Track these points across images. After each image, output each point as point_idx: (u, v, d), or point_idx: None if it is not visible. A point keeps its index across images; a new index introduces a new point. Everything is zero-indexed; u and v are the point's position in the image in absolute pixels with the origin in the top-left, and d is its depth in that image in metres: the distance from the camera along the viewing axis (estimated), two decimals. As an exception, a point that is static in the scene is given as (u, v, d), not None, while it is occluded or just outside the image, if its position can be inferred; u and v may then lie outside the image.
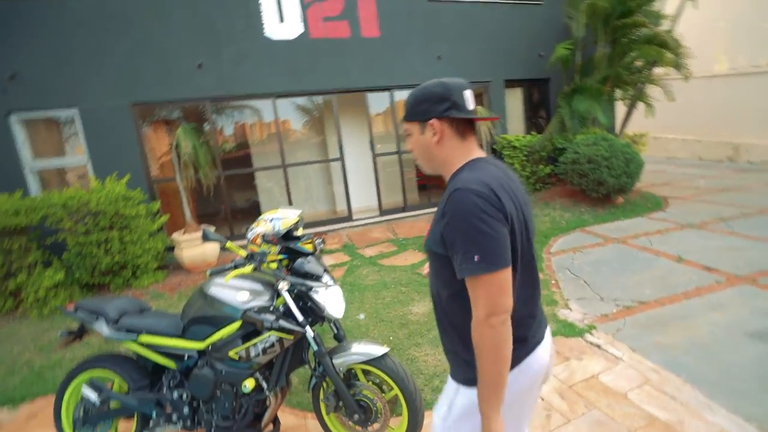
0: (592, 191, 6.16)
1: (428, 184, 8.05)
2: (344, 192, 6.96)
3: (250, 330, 1.87)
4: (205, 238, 1.99)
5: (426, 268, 1.31)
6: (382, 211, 7.12)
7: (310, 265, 1.99)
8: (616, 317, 3.25)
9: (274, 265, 2.01)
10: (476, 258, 0.94)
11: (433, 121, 1.07)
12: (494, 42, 7.43)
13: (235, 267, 1.87)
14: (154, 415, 2.02)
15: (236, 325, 1.88)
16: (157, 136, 6.61)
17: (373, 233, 6.33)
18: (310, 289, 1.92)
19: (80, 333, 2.22)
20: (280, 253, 2.05)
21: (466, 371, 1.09)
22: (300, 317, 1.87)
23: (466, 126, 1.10)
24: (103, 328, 2.08)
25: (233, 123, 7.40)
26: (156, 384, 2.12)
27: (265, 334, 1.85)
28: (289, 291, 1.91)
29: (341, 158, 6.80)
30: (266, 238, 2.03)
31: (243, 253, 1.92)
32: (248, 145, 7.62)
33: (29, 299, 4.25)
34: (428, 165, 1.17)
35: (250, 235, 2.06)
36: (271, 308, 1.90)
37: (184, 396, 2.00)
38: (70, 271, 4.56)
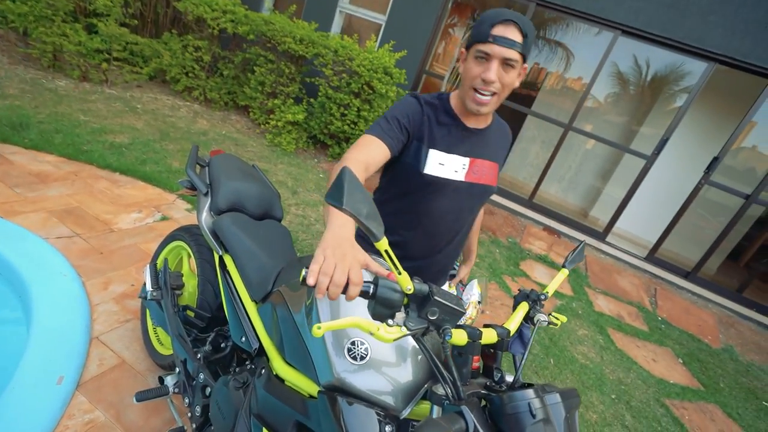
0: None
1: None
2: (618, 201, 4.77)
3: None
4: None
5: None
6: (652, 257, 4.68)
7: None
8: None
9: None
10: None
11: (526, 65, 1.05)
12: None
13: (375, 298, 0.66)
14: (176, 370, 1.28)
15: (308, 387, 0.80)
16: (450, 23, 5.71)
17: (622, 279, 4.19)
18: None
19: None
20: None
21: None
22: None
23: None
24: (202, 209, 1.36)
25: (536, 54, 5.77)
26: (210, 329, 1.35)
27: None
28: None
29: (650, 158, 4.48)
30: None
31: (407, 283, 0.67)
32: (537, 86, 6.00)
33: (272, 123, 4.42)
34: (499, 102, 1.06)
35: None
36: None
37: (207, 391, 1.15)
38: (309, 117, 4.50)
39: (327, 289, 0.63)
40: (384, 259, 0.66)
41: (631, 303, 3.69)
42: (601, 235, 4.86)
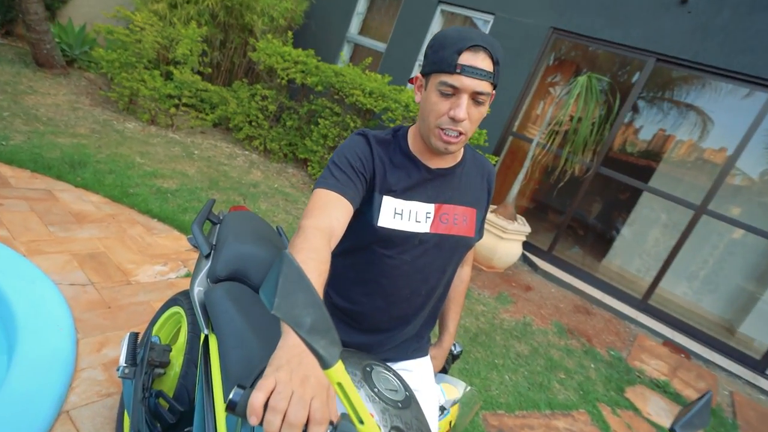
0: None
1: None
2: (782, 318, 3.96)
3: None
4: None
5: None
6: None
7: None
8: None
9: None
10: None
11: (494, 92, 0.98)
12: None
13: None
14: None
15: None
16: (550, 82, 5.68)
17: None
18: None
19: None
20: None
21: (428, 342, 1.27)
22: None
23: None
24: (197, 274, 1.32)
25: (660, 119, 5.44)
26: (180, 428, 1.23)
27: None
28: None
29: (831, 261, 3.72)
30: None
31: None
32: (657, 156, 5.57)
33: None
34: (468, 138, 1.01)
35: None
36: None
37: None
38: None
39: None
40: (338, 396, 0.50)
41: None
42: (759, 365, 4.01)
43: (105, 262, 2.53)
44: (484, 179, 1.16)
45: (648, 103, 5.22)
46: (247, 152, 5.26)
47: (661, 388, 3.34)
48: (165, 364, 1.44)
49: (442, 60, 0.92)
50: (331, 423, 0.51)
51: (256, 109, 5.08)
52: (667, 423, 2.93)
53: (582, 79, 3.82)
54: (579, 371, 3.17)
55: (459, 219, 1.08)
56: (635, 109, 5.36)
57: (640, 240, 5.58)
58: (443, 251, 1.07)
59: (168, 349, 1.47)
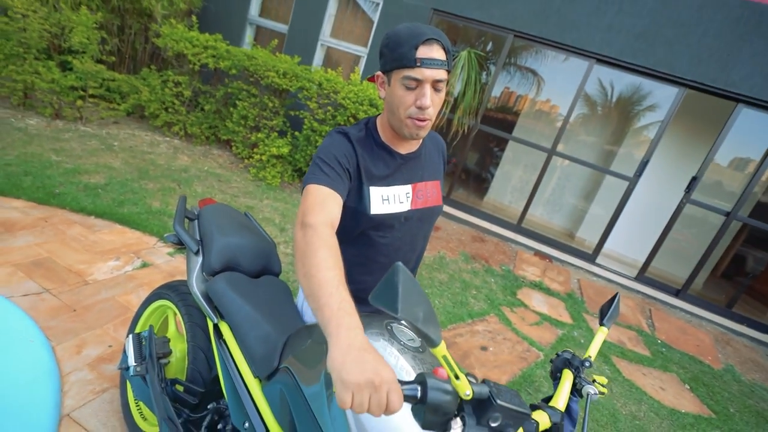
0: None
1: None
2: (604, 222, 4.82)
3: None
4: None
5: None
6: (642, 277, 4.70)
7: None
8: None
9: None
10: None
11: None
12: None
13: None
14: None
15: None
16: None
17: (616, 302, 4.16)
18: None
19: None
20: None
21: None
22: None
23: None
24: (193, 270, 1.23)
25: (508, 80, 5.93)
26: (203, 406, 1.19)
27: None
28: None
29: (632, 179, 4.57)
30: None
31: (465, 388, 0.56)
32: (514, 111, 6.14)
33: (255, 157, 4.31)
34: (433, 122, 1.01)
35: None
36: None
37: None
38: (294, 150, 4.41)
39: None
40: (442, 366, 0.55)
41: (630, 327, 3.65)
42: (591, 257, 4.87)
43: (53, 267, 2.17)
44: (439, 153, 1.21)
45: (509, 71, 5.65)
46: (168, 138, 4.66)
47: (537, 286, 3.93)
48: (167, 354, 1.35)
49: (401, 56, 0.90)
50: (418, 381, 0.55)
51: (170, 96, 4.46)
52: (546, 311, 3.50)
53: (464, 54, 3.99)
54: (484, 286, 3.59)
55: (430, 192, 1.13)
56: (500, 75, 5.78)
57: (509, 178, 6.23)
58: (424, 222, 1.13)
59: (166, 340, 1.37)
